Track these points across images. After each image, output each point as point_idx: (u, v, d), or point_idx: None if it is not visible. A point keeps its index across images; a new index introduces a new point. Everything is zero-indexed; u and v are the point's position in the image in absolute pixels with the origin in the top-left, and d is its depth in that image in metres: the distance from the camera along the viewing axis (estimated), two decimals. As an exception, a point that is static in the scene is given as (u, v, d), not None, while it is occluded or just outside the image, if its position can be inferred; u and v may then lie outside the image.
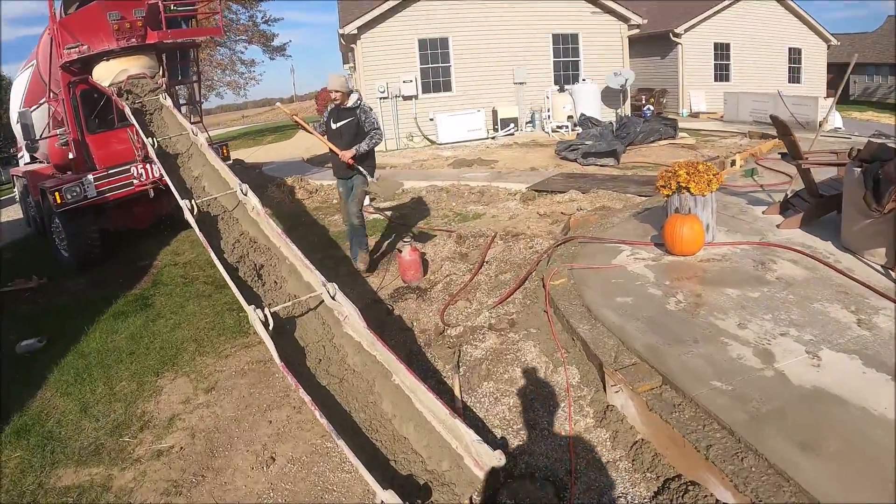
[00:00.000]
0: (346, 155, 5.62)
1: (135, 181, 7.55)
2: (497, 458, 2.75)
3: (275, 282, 4.24)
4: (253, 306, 3.52)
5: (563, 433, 3.24)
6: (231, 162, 12.28)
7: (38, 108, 8.19)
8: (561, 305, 4.20)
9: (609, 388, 3.31)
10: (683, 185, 4.87)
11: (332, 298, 3.78)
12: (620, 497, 2.81)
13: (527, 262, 5.73)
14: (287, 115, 6.17)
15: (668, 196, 5.06)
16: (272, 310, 3.60)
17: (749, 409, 2.87)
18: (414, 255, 5.84)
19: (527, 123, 16.01)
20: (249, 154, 16.45)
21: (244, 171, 12.82)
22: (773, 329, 3.56)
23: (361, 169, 5.76)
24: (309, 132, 5.91)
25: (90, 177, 7.25)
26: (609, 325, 3.78)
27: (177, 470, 3.56)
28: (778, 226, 5.35)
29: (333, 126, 5.82)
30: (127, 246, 8.18)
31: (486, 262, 5.99)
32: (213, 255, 4.08)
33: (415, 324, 5.01)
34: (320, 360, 3.62)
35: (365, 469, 2.60)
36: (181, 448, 3.76)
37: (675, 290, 4.20)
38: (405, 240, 5.97)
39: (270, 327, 3.50)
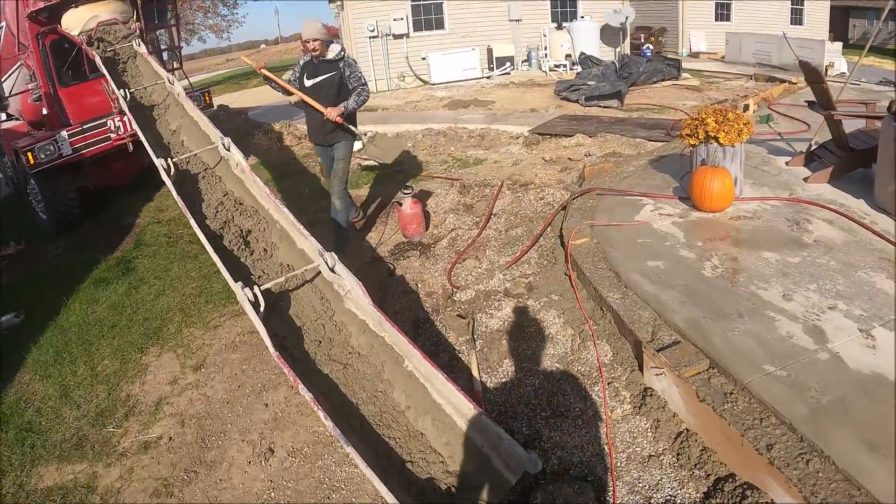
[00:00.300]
0: (333, 113, 4.50)
1: (112, 135, 6.91)
2: (532, 462, 2.35)
3: (264, 249, 3.72)
4: (240, 284, 3.02)
5: (598, 422, 2.84)
6: (215, 108, 11.50)
7: (16, 69, 7.47)
8: (585, 269, 3.74)
9: (648, 369, 2.90)
10: (712, 134, 4.34)
11: (332, 270, 3.29)
12: (668, 501, 2.43)
13: (538, 216, 5.23)
14: (252, 66, 4.98)
15: (693, 146, 4.52)
16: (263, 287, 3.11)
17: (808, 399, 2.48)
18: (415, 208, 5.30)
19: (523, 62, 15.13)
20: (234, 99, 15.50)
21: (229, 117, 12.03)
22: (819, 302, 3.13)
23: (352, 128, 4.74)
24: (282, 87, 4.80)
25: (64, 133, 6.61)
26: (642, 294, 3.33)
27: (166, 465, 3.16)
28: (805, 179, 4.86)
29: (308, 83, 4.68)
30: (108, 204, 7.56)
31: (494, 215, 5.47)
32: (192, 222, 3.53)
33: (419, 285, 4.55)
34: (320, 341, 3.15)
35: (381, 483, 2.19)
36: (170, 438, 3.35)
37: (709, 253, 3.74)
38: (404, 190, 5.35)
39: (262, 308, 3.01)
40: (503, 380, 3.28)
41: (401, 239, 5.40)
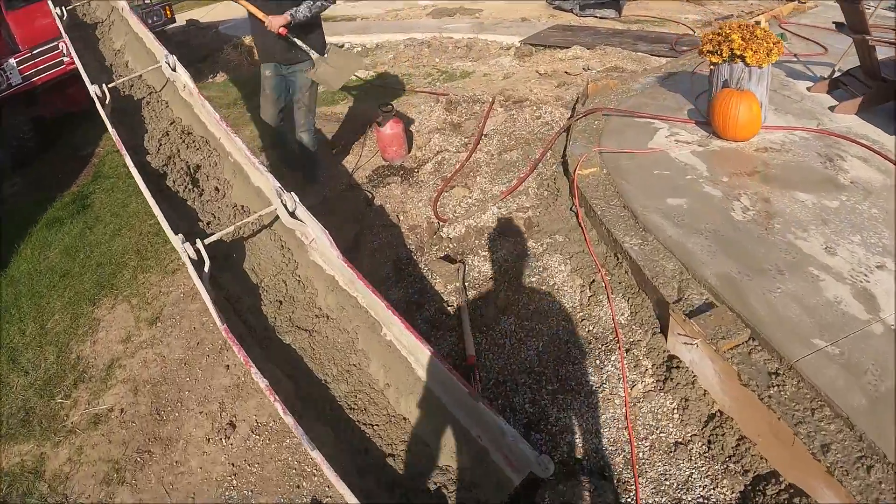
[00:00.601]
0: (276, 22, 3.48)
1: (65, 59, 5.99)
2: (542, 466, 1.84)
3: (216, 188, 3.01)
4: (181, 237, 2.36)
5: (615, 399, 2.30)
6: (183, 24, 10.27)
7: None
8: (596, 206, 3.08)
9: (675, 335, 2.33)
10: (738, 52, 3.57)
11: (292, 215, 2.61)
12: (701, 502, 1.94)
13: (536, 138, 4.48)
14: None
15: (715, 64, 3.76)
16: (210, 240, 2.44)
17: (865, 385, 1.96)
18: (396, 129, 4.51)
19: (512, -31, 13.61)
20: (206, 13, 13.89)
21: (200, 32, 10.74)
22: (865, 258, 2.54)
23: (303, 45, 3.66)
24: None
25: (12, 61, 5.70)
26: (664, 241, 2.71)
27: (117, 444, 2.65)
28: (831, 108, 4.13)
29: None
30: (67, 132, 6.63)
31: (485, 136, 4.70)
32: (128, 160, 2.77)
33: (401, 217, 3.90)
34: (281, 301, 2.54)
35: (356, 499, 1.66)
36: (122, 410, 2.81)
37: (738, 191, 3.08)
38: (383, 108, 4.53)
39: (207, 266, 2.37)
40: (500, 341, 2.71)
41: (380, 162, 4.65)
